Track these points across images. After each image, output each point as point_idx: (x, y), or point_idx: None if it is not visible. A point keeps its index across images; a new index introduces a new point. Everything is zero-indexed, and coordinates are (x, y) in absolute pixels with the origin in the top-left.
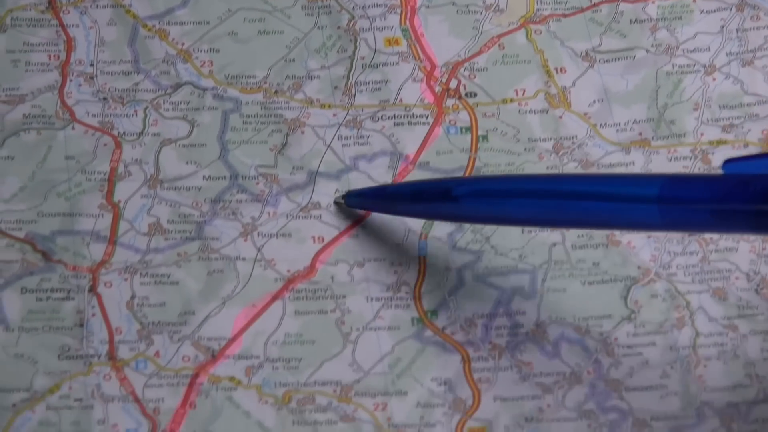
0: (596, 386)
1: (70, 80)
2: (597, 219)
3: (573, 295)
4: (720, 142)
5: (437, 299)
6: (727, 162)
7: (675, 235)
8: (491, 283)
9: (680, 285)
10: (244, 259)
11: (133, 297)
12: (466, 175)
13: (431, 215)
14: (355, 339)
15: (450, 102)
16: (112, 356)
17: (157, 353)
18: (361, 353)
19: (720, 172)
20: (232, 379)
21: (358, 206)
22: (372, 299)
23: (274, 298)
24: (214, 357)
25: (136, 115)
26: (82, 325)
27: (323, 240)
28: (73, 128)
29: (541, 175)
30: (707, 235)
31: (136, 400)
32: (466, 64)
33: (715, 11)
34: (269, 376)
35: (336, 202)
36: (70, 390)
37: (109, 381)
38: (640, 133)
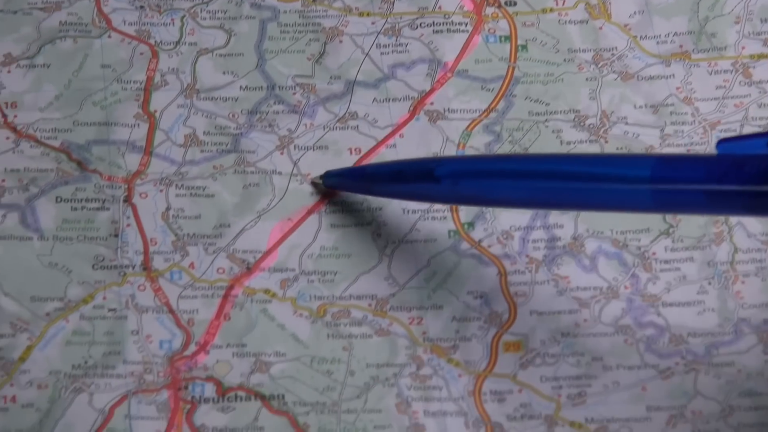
0: (633, 301)
1: None
2: (586, 201)
3: None
4: (761, 56)
5: (474, 211)
6: (721, 142)
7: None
8: None
9: None
10: (280, 173)
11: (168, 208)
12: (504, 83)
13: (413, 196)
14: (391, 252)
15: (489, 10)
16: (146, 267)
17: (191, 264)
18: (397, 267)
19: (714, 152)
20: (267, 291)
21: (337, 187)
22: (408, 212)
23: (310, 211)
24: (249, 269)
25: (173, 23)
26: (116, 236)
27: (360, 152)
28: (109, 36)
29: (527, 155)
30: None
31: (171, 311)
32: None
33: None
34: (304, 289)
35: (313, 182)
36: (105, 300)
37: (144, 291)
38: (681, 46)
